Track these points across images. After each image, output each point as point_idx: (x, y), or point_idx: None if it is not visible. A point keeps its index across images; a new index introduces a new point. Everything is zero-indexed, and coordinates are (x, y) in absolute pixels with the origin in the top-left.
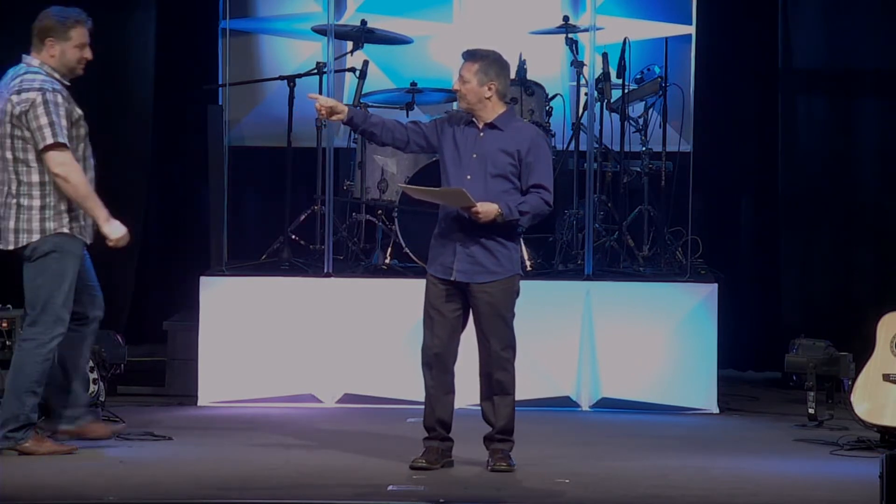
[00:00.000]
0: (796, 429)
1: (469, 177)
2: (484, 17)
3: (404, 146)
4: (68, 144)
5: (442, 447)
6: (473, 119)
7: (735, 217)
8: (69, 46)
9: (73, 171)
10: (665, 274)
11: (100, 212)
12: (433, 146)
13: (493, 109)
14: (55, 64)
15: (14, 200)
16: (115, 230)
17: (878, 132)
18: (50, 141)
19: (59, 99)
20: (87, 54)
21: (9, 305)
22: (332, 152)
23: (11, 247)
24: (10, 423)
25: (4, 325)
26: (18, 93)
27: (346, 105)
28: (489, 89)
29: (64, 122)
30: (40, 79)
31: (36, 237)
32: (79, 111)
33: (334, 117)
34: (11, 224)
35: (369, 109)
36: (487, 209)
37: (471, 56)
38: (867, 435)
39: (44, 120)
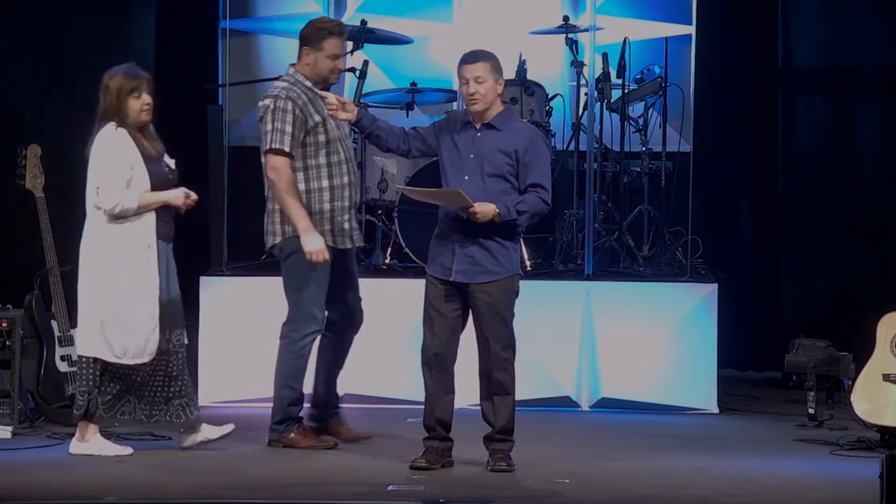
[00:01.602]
0: (796, 429)
1: (467, 177)
2: (484, 17)
3: (406, 154)
4: (286, 151)
5: (442, 447)
6: (471, 119)
7: (735, 217)
8: (322, 56)
9: (281, 178)
10: (665, 274)
11: (300, 222)
12: (433, 150)
13: (494, 109)
14: (308, 73)
15: (268, 204)
16: (311, 243)
17: (878, 132)
18: (266, 147)
19: (289, 106)
20: (340, 65)
21: (9, 305)
22: None
23: (266, 247)
24: (273, 417)
25: (4, 325)
26: (263, 98)
27: (356, 106)
28: (500, 85)
29: (288, 129)
30: (282, 86)
31: (279, 239)
32: (317, 118)
33: (345, 115)
34: (265, 226)
35: (369, 110)
36: (485, 209)
37: (477, 57)
38: (867, 435)
39: (268, 126)
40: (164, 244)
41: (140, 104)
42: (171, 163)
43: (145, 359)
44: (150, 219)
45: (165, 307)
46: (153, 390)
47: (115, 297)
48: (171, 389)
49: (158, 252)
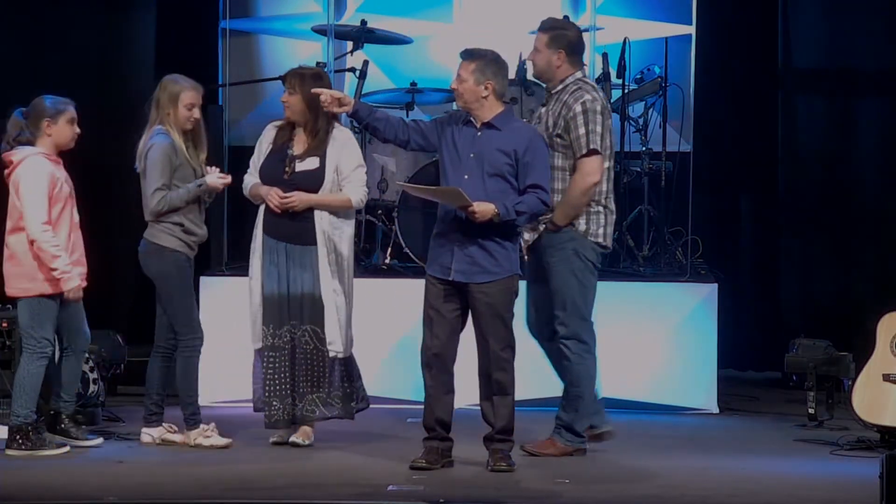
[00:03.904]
0: (796, 429)
1: (467, 176)
2: (484, 17)
3: (405, 144)
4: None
5: (442, 447)
6: (471, 119)
7: (735, 217)
8: None
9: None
10: (665, 274)
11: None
12: (433, 145)
13: (491, 109)
14: None
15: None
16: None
17: (878, 132)
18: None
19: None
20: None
21: (9, 305)
22: None
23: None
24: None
25: (4, 325)
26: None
27: (351, 98)
28: (486, 88)
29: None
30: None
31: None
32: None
33: (340, 108)
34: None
35: None
36: (484, 209)
37: (468, 55)
38: (867, 435)
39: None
40: (271, 240)
41: None
42: (298, 163)
43: (258, 344)
44: (260, 211)
45: (273, 301)
46: (282, 385)
47: None
48: (297, 388)
49: (264, 246)
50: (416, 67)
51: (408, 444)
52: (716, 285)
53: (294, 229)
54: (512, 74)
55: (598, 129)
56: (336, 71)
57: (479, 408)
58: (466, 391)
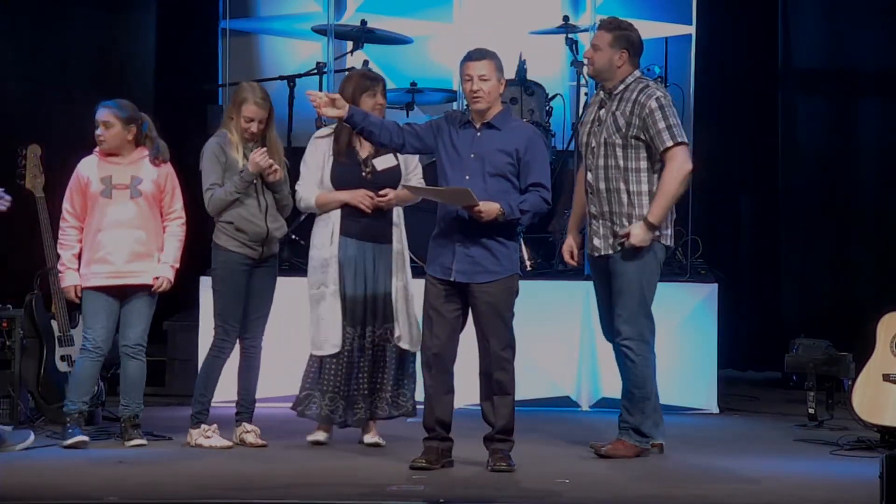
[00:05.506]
0: (796, 429)
1: (468, 177)
2: (484, 17)
3: (400, 148)
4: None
5: (442, 447)
6: (470, 119)
7: (735, 217)
8: None
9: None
10: (665, 274)
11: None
12: (429, 147)
13: (495, 108)
14: None
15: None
16: None
17: (878, 132)
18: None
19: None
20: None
21: (9, 305)
22: None
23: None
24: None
25: (4, 325)
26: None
27: (346, 102)
28: (502, 84)
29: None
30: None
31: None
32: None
33: (334, 112)
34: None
35: None
36: (489, 208)
37: (483, 55)
38: (867, 435)
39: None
40: (356, 242)
41: None
42: (375, 162)
43: (329, 351)
44: (331, 216)
45: (358, 303)
46: (342, 387)
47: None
48: (369, 386)
49: (343, 249)
50: (416, 67)
51: (408, 444)
52: (716, 285)
53: (378, 228)
54: (512, 74)
55: (678, 121)
56: (336, 71)
57: (479, 408)
58: (466, 391)
